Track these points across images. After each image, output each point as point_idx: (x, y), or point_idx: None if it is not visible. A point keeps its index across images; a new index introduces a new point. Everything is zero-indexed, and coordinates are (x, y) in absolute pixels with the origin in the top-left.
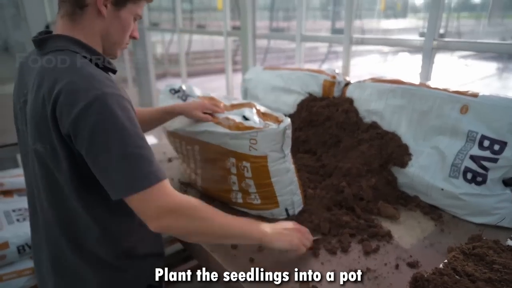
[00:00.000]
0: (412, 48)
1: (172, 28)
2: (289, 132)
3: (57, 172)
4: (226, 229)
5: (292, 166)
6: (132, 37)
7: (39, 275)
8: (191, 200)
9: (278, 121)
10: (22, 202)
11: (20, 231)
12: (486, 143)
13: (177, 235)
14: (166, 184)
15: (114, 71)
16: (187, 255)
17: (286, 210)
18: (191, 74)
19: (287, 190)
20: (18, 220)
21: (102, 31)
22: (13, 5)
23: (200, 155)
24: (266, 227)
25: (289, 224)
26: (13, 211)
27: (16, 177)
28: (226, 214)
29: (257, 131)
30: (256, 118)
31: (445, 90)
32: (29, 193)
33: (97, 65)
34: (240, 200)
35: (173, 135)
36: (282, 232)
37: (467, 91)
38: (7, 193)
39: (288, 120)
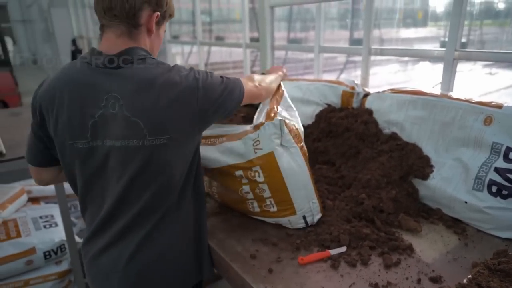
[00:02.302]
0: (432, 58)
1: (192, 41)
2: (285, 129)
3: (173, 155)
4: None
5: (304, 165)
6: None
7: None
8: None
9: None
10: (49, 209)
11: (47, 237)
12: None
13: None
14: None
15: None
16: None
17: (304, 217)
18: None
19: (302, 194)
20: (45, 226)
21: (150, 46)
22: (42, 20)
23: (210, 171)
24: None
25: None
26: (40, 217)
27: None
28: (269, 76)
29: (256, 131)
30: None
31: (467, 101)
32: (86, 204)
33: None
34: (257, 209)
35: None
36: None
37: (491, 102)
38: (35, 200)
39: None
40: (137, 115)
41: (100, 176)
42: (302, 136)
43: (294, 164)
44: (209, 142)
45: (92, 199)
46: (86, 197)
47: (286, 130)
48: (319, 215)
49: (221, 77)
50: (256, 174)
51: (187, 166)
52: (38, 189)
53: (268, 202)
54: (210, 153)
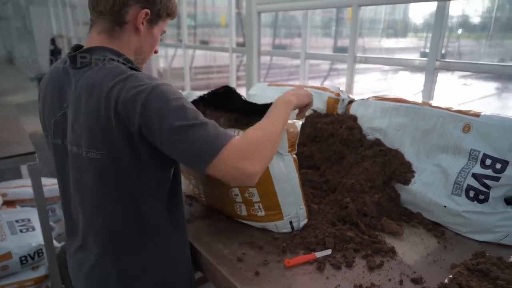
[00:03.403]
0: (412, 67)
1: (176, 44)
2: (285, 137)
3: (115, 176)
4: (277, 128)
5: (294, 172)
6: (154, 52)
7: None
8: (244, 139)
9: None
10: (25, 213)
11: (24, 242)
12: (488, 161)
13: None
14: (235, 136)
15: None
16: None
17: (291, 223)
18: (193, 89)
19: (291, 200)
20: (21, 230)
21: (136, 46)
22: (19, 18)
23: (198, 174)
24: (287, 98)
25: (292, 90)
26: (17, 221)
27: (19, 187)
28: (265, 118)
29: None
30: None
31: (447, 109)
32: (66, 203)
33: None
34: (244, 213)
35: None
36: (297, 93)
37: (469, 111)
38: (10, 203)
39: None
40: (76, 121)
41: (67, 173)
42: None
43: (285, 171)
44: None
45: (64, 195)
46: (61, 191)
47: (285, 137)
48: (305, 221)
49: (194, 119)
50: None
51: (140, 195)
52: (14, 192)
53: (256, 207)
54: None
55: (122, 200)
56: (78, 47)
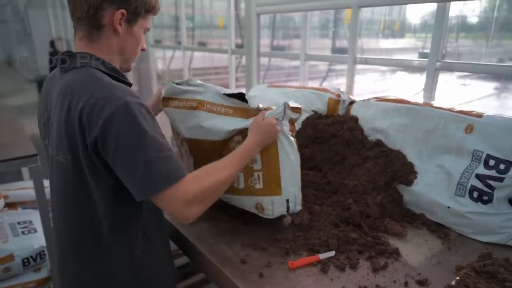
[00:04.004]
0: (411, 68)
1: (175, 45)
2: (289, 112)
3: (77, 182)
4: (236, 171)
5: (297, 153)
6: (141, 49)
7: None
8: (202, 183)
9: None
10: (27, 215)
11: (26, 244)
12: (492, 162)
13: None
14: (185, 179)
15: (129, 85)
16: (189, 270)
17: (287, 201)
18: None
19: (291, 178)
20: (23, 232)
21: (118, 47)
22: (18, 21)
23: (191, 152)
24: (253, 138)
25: (260, 123)
26: (18, 223)
27: (20, 189)
28: (223, 160)
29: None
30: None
31: (449, 110)
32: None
33: (115, 78)
34: (242, 185)
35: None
36: (265, 135)
37: (472, 111)
38: (12, 205)
39: (289, 102)
40: (53, 125)
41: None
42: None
43: (290, 149)
44: (215, 110)
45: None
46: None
47: (289, 115)
48: (300, 207)
49: (152, 148)
50: None
51: (109, 203)
52: (15, 194)
53: (255, 176)
54: (211, 121)
55: (81, 207)
56: (67, 53)
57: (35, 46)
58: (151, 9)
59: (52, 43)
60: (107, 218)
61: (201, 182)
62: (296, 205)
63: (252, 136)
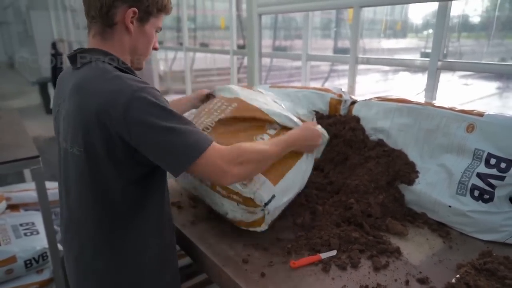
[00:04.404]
0: (413, 68)
1: (176, 47)
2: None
3: (93, 173)
4: (276, 150)
5: (310, 170)
6: (154, 49)
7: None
8: (239, 146)
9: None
10: (29, 217)
11: (28, 245)
12: (493, 161)
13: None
14: (216, 144)
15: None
16: (191, 271)
17: (273, 197)
18: (194, 91)
19: (289, 185)
20: (26, 234)
21: (130, 45)
22: (20, 22)
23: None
24: (299, 135)
25: (312, 127)
26: (21, 225)
27: (22, 191)
28: (265, 142)
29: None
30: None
31: (451, 109)
32: (61, 196)
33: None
34: None
35: None
36: (312, 136)
37: (473, 110)
38: (14, 207)
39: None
40: (66, 118)
41: (61, 167)
42: None
43: (309, 164)
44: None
45: (60, 189)
46: (59, 186)
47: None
48: (271, 218)
49: (177, 121)
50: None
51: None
52: (17, 196)
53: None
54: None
55: (99, 196)
56: (80, 49)
57: (37, 48)
58: (163, 8)
59: (53, 45)
60: (126, 206)
61: (239, 145)
62: (275, 210)
63: (299, 132)
